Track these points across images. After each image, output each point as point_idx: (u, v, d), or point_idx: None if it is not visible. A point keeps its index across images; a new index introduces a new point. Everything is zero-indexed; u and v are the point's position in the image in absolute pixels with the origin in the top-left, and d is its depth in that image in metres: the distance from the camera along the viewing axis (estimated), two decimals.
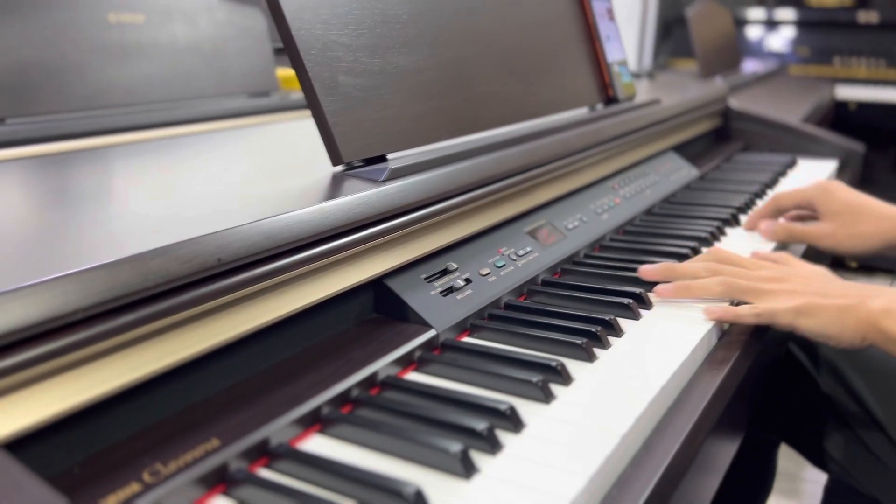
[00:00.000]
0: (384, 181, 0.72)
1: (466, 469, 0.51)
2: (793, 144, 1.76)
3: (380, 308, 0.74)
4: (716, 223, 1.11)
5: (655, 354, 0.70)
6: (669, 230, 1.08)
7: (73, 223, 0.61)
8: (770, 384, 0.99)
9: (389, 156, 0.80)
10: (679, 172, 1.39)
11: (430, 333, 0.70)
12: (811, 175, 1.53)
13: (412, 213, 0.73)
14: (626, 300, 0.80)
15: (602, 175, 1.17)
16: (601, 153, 1.13)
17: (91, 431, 0.50)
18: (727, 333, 0.79)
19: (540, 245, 0.92)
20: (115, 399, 0.51)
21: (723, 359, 0.73)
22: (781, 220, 1.12)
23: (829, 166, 1.62)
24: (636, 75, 2.23)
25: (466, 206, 0.82)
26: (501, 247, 0.87)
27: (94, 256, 0.49)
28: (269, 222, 0.59)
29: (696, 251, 0.99)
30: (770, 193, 1.37)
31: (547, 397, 0.61)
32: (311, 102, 0.74)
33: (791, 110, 2.10)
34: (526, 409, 0.59)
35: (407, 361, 0.67)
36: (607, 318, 0.75)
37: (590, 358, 0.69)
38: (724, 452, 0.78)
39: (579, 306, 0.81)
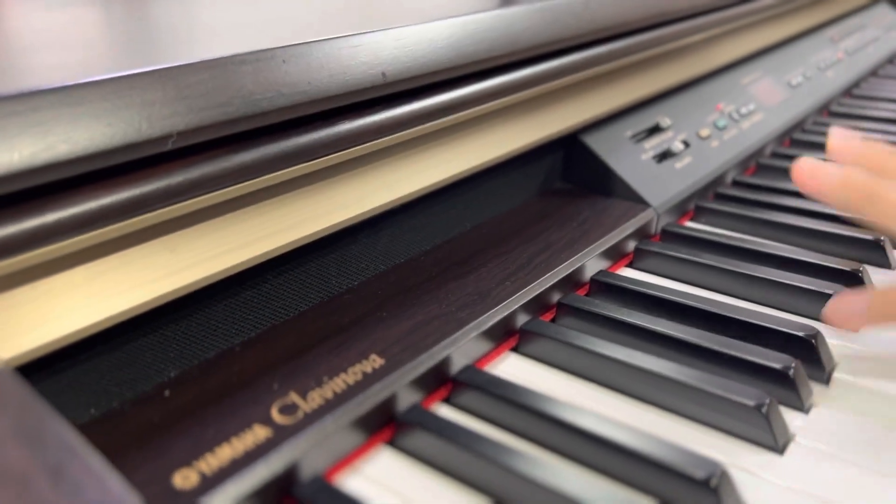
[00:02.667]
0: None
1: (776, 435, 0.31)
2: None
3: (572, 174, 0.53)
4: None
5: None
6: None
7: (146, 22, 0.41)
8: None
9: None
10: None
11: (648, 214, 0.49)
12: None
13: (629, 37, 0.51)
14: None
15: (817, 22, 0.90)
16: None
17: (185, 334, 0.33)
18: None
19: (762, 104, 0.68)
20: (213, 289, 0.33)
21: None
22: None
23: None
24: None
25: (688, 39, 0.58)
26: (719, 101, 0.64)
27: (172, 55, 0.29)
28: (447, 27, 0.38)
29: None
30: None
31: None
32: None
33: None
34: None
35: (617, 252, 0.47)
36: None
37: (890, 263, 0.47)
38: None
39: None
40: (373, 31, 0.34)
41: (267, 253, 0.33)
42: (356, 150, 0.34)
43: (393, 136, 0.35)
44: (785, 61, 0.78)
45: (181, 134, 0.27)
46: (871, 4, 1.10)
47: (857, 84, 0.86)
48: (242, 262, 0.32)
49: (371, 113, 0.34)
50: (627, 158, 0.52)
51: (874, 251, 0.47)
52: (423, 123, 0.37)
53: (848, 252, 0.47)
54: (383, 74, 0.33)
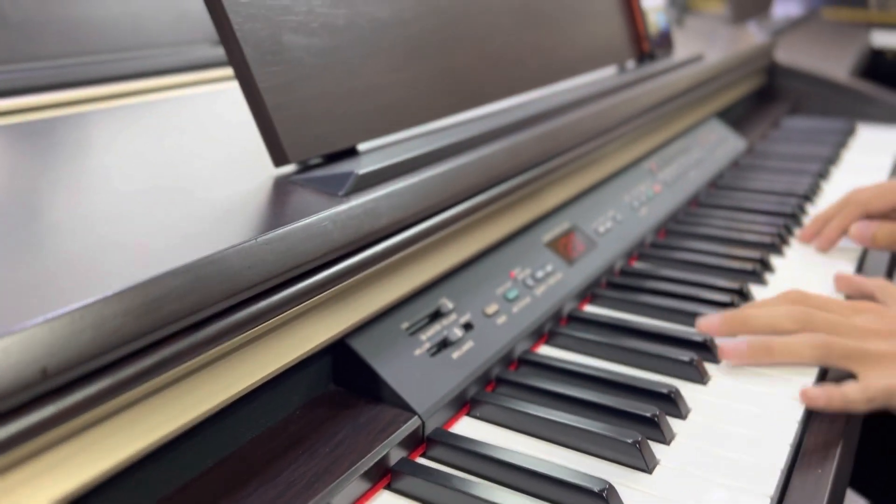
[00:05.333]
0: (345, 195, 0.49)
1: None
2: (845, 106, 1.51)
3: (343, 379, 0.51)
4: (781, 220, 0.88)
5: (741, 448, 0.48)
6: (723, 231, 0.85)
7: None
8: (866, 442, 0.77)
9: (362, 146, 0.57)
10: (724, 145, 1.15)
11: (412, 423, 0.48)
12: (877, 146, 1.28)
13: (389, 239, 0.50)
14: (686, 356, 0.57)
15: (637, 155, 0.93)
16: (638, 128, 0.89)
17: None
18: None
19: (564, 260, 0.69)
20: None
21: (824, 448, 0.51)
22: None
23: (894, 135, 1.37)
24: None
25: (467, 219, 0.58)
26: (513, 268, 0.64)
27: None
28: (132, 294, 0.36)
29: (763, 263, 0.76)
30: (835, 172, 1.13)
31: None
32: (241, 75, 0.50)
33: (834, 63, 1.84)
34: None
35: (379, 471, 0.45)
36: (665, 390, 0.53)
37: (648, 466, 0.46)
38: None
39: (624, 359, 0.58)
40: (30, 328, 0.32)
41: None
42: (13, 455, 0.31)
43: (62, 427, 0.33)
44: (596, 204, 0.80)
45: None
46: (700, 123, 1.16)
47: (674, 216, 0.89)
48: None
49: (27, 412, 0.31)
50: (397, 358, 0.51)
51: (632, 456, 0.46)
52: (110, 399, 0.34)
53: (600, 449, 0.47)
54: (44, 371, 0.31)
